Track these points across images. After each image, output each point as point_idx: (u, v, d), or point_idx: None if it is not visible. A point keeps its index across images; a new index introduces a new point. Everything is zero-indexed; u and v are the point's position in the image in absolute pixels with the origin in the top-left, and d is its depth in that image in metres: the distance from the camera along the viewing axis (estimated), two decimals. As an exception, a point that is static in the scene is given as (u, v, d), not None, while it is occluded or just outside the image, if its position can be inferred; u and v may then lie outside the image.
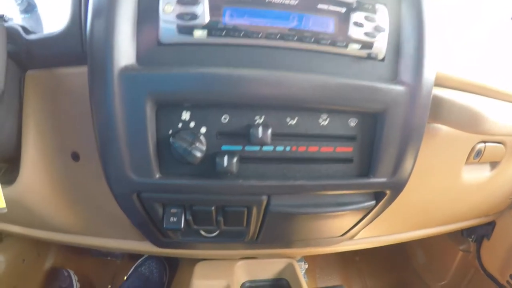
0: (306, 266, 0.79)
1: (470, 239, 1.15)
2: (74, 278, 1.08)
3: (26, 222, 0.64)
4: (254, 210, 0.49)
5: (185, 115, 0.41)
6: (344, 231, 0.64)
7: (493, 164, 0.71)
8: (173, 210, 0.48)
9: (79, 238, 0.67)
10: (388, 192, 0.52)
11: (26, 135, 0.48)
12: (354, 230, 0.65)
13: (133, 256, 1.14)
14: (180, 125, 0.42)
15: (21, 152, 0.49)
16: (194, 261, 0.84)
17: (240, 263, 0.77)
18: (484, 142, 0.64)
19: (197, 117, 0.42)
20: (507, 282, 1.03)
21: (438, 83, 0.50)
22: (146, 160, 0.42)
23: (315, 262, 0.78)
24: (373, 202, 0.53)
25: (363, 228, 0.66)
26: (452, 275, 1.26)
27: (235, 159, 0.41)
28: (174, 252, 0.70)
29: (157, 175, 0.43)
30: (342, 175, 0.48)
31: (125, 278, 1.07)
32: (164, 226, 0.48)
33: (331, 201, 0.51)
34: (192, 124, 0.42)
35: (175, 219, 0.48)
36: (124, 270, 1.15)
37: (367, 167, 0.49)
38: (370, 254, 1.32)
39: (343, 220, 0.59)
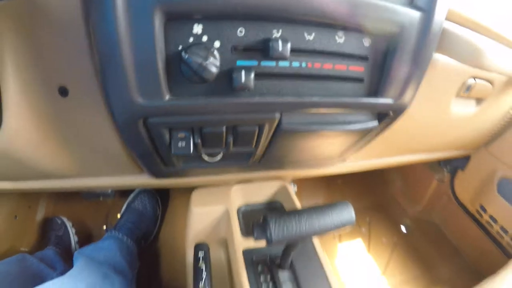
0: (296, 188, 0.82)
1: (446, 170, 1.24)
2: (68, 224, 1.07)
3: (16, 174, 0.59)
4: (266, 128, 0.48)
5: (197, 29, 0.38)
6: (341, 152, 0.67)
7: (479, 101, 0.76)
8: (181, 135, 0.46)
9: (74, 181, 0.65)
10: (391, 113, 0.55)
11: (4, 76, 0.42)
12: (349, 152, 0.68)
13: (124, 193, 1.14)
14: (191, 39, 0.38)
15: (1, 97, 0.43)
16: (187, 191, 0.85)
17: (236, 187, 0.79)
18: (475, 78, 0.68)
19: (210, 31, 0.38)
20: (477, 211, 1.13)
21: (448, 18, 0.52)
22: (155, 81, 0.38)
23: (302, 185, 0.83)
24: (375, 122, 0.56)
25: (356, 151, 0.70)
26: (426, 201, 1.37)
27: (252, 75, 0.40)
28: (170, 183, 0.70)
29: (167, 97, 0.40)
30: (352, 93, 0.48)
31: (119, 216, 1.08)
32: (173, 152, 0.47)
33: (339, 120, 0.52)
34: (204, 38, 0.38)
35: (183, 144, 0.47)
36: (116, 208, 1.16)
37: (376, 88, 0.50)
38: (352, 179, 1.41)
39: (343, 141, 0.61)
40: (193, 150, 0.47)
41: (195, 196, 0.78)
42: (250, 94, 0.42)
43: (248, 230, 0.74)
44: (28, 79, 0.43)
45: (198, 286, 0.58)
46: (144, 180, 0.67)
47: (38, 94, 0.44)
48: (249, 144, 0.51)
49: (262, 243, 0.68)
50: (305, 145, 0.58)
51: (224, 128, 0.46)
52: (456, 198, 1.22)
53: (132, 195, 1.11)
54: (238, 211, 0.77)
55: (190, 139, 0.47)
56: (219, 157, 0.57)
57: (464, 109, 0.76)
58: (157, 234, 1.13)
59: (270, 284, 0.63)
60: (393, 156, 0.89)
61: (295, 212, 0.49)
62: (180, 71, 0.39)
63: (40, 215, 1.08)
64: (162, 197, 1.17)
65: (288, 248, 0.59)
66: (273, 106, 0.45)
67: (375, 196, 1.49)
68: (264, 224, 0.48)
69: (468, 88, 0.69)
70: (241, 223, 0.74)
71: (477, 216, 1.15)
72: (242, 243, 0.68)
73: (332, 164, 0.75)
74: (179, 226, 1.01)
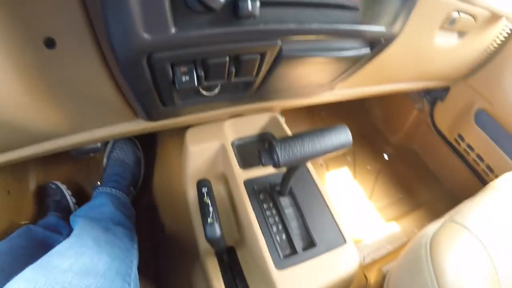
0: (283, 119, 0.86)
1: (425, 100, 1.30)
2: (63, 187, 1.07)
3: (4, 144, 0.57)
4: (268, 56, 0.49)
5: (200, -42, 0.38)
6: (331, 80, 0.70)
7: (461, 34, 0.79)
8: (184, 69, 0.47)
9: (66, 140, 0.63)
10: (383, 41, 0.57)
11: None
12: (338, 80, 0.71)
13: (112, 145, 1.13)
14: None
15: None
16: (176, 133, 0.87)
17: (228, 122, 0.81)
18: (459, 12, 0.71)
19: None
20: (455, 140, 1.20)
21: None
22: (160, 13, 0.37)
23: (288, 118, 0.87)
24: (368, 49, 0.58)
25: (345, 79, 0.72)
26: (406, 130, 1.45)
27: (258, 2, 0.40)
28: (165, 124, 0.71)
29: (173, 30, 0.39)
30: (349, 21, 0.50)
31: (103, 170, 1.08)
32: (178, 87, 0.47)
33: (334, 46, 0.54)
34: (209, -34, 0.38)
35: (187, 78, 0.47)
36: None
37: (370, 16, 0.52)
38: (334, 111, 1.47)
39: (335, 68, 0.63)
40: (197, 82, 0.49)
41: (190, 135, 0.79)
42: (254, 22, 0.43)
43: (245, 162, 0.77)
44: (11, 34, 0.40)
45: (207, 221, 0.59)
46: (138, 125, 0.68)
47: (23, 49, 0.42)
48: (251, 73, 0.53)
49: (259, 173, 0.73)
50: (300, 72, 0.60)
51: (227, 58, 0.47)
52: (435, 127, 1.30)
53: (109, 146, 1.11)
54: (233, 144, 0.80)
55: (193, 72, 0.47)
56: (217, 90, 0.58)
57: (446, 41, 0.79)
58: (147, 179, 1.15)
59: (273, 210, 0.69)
60: (377, 85, 0.93)
61: (297, 136, 0.52)
62: (185, 2, 0.39)
63: (32, 185, 1.08)
64: (146, 143, 1.17)
65: (288, 173, 0.63)
66: (276, 33, 0.46)
67: (358, 126, 1.56)
68: (270, 149, 0.51)
69: (452, 22, 0.73)
70: (237, 156, 0.77)
71: (455, 144, 1.23)
72: (242, 175, 0.72)
73: (321, 92, 0.79)
74: (173, 169, 1.03)
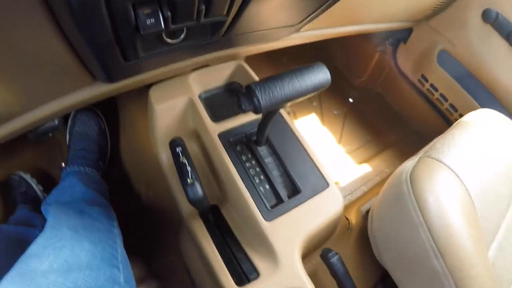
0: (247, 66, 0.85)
1: (388, 42, 1.32)
2: (27, 177, 0.99)
3: None
4: None
5: None
6: (301, 19, 0.69)
7: None
8: (147, 10, 0.43)
9: (20, 121, 0.57)
10: None
11: None
12: (307, 19, 0.70)
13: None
14: None
15: None
16: (137, 95, 0.82)
17: (192, 75, 0.78)
18: None
19: None
20: (419, 80, 1.25)
21: None
22: None
23: (251, 64, 0.85)
24: None
25: (312, 19, 0.71)
26: (370, 72, 1.48)
27: None
28: (126, 84, 0.66)
29: None
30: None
31: (67, 147, 1.02)
32: (142, 32, 0.44)
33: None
34: None
35: (152, 20, 0.44)
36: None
37: None
38: (296, 55, 1.46)
39: (305, 5, 0.62)
40: (164, 25, 0.45)
41: (153, 93, 0.75)
42: None
43: (215, 115, 0.74)
44: None
45: (187, 182, 0.57)
46: (98, 89, 0.63)
47: None
48: (221, 11, 0.49)
49: (232, 124, 0.72)
50: (271, 10, 0.58)
51: None
52: (399, 69, 1.34)
53: (69, 120, 1.04)
54: (200, 97, 0.77)
55: (158, 13, 0.44)
56: (182, 35, 0.55)
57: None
58: (115, 150, 1.10)
59: (253, 161, 0.68)
60: (342, 27, 0.92)
61: (276, 77, 0.51)
62: None
63: None
64: (107, 111, 1.11)
65: (265, 120, 0.62)
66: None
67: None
68: (249, 92, 0.49)
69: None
70: (207, 109, 0.75)
71: (419, 85, 1.28)
72: (215, 128, 0.70)
73: (289, 35, 0.77)
74: (140, 133, 0.99)
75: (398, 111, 1.47)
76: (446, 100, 1.19)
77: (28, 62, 0.46)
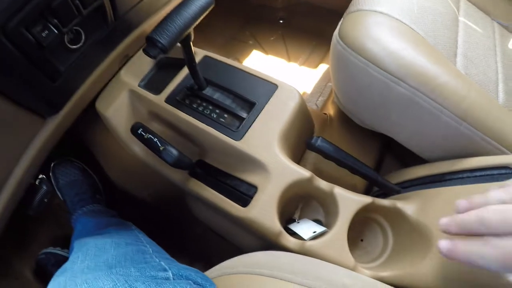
0: None
1: None
2: (50, 250, 1.08)
3: None
4: None
5: None
6: None
7: None
8: (38, 27, 0.56)
9: (10, 185, 0.69)
10: None
11: None
12: None
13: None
14: None
15: None
16: (91, 125, 0.95)
17: (123, 71, 0.90)
18: None
19: None
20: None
21: None
22: None
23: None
24: None
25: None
26: None
27: None
28: (71, 110, 0.77)
29: None
30: None
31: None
32: (44, 44, 0.57)
33: None
34: None
35: (46, 32, 0.56)
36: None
37: None
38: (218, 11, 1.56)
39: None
40: (57, 33, 0.58)
41: (99, 104, 0.87)
42: None
43: (157, 89, 0.85)
44: None
45: (160, 150, 0.67)
46: (52, 125, 0.73)
47: None
48: None
49: (173, 86, 0.82)
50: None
51: None
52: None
53: (52, 179, 1.16)
54: (140, 86, 0.88)
55: (47, 23, 0.56)
56: (83, 37, 0.67)
57: None
58: (104, 178, 1.22)
59: (204, 103, 0.80)
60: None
61: (165, 17, 0.60)
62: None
63: (26, 271, 1.08)
64: (78, 153, 1.23)
65: (190, 64, 0.72)
66: None
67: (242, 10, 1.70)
68: (150, 40, 0.58)
69: None
70: (148, 90, 0.86)
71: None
72: (160, 98, 0.82)
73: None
74: (113, 147, 1.13)
75: (330, 7, 1.56)
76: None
77: None
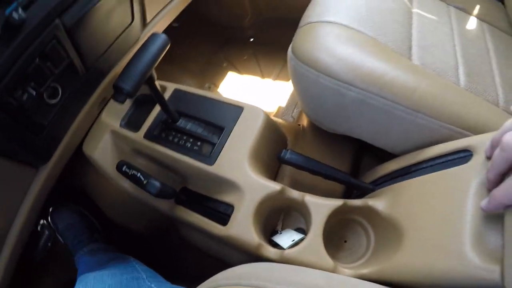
0: None
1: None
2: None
3: None
4: (60, 36, 0.67)
5: None
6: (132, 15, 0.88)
7: None
8: (18, 92, 0.63)
9: (13, 235, 0.78)
10: None
11: None
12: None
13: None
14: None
15: None
16: (82, 169, 1.01)
17: (103, 113, 0.99)
18: None
19: None
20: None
21: None
22: None
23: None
24: None
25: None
26: (249, 5, 1.67)
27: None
28: (59, 158, 0.85)
29: None
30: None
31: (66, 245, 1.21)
32: (27, 106, 0.65)
33: None
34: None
35: (26, 95, 0.64)
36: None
37: None
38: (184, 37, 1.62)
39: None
40: (36, 94, 0.66)
41: (86, 147, 0.96)
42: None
43: (135, 126, 0.91)
44: None
45: (143, 184, 0.74)
46: (45, 174, 0.81)
47: None
48: (63, 56, 0.70)
49: (149, 123, 0.89)
50: (101, 22, 0.76)
51: (36, 60, 0.63)
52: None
53: (52, 225, 1.25)
54: (121, 125, 0.95)
55: (26, 87, 0.64)
56: (60, 90, 0.74)
57: None
58: (101, 218, 1.30)
59: (178, 134, 0.87)
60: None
61: (127, 64, 0.66)
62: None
63: None
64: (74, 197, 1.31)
65: (159, 100, 0.79)
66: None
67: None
68: (116, 88, 0.64)
69: None
70: (128, 129, 0.93)
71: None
72: (139, 134, 0.89)
73: (142, 32, 0.97)
74: (105, 187, 1.21)
75: (297, 17, 1.60)
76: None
77: None
